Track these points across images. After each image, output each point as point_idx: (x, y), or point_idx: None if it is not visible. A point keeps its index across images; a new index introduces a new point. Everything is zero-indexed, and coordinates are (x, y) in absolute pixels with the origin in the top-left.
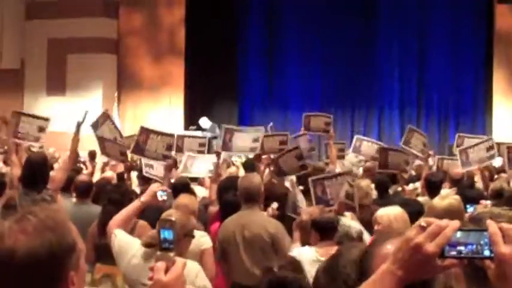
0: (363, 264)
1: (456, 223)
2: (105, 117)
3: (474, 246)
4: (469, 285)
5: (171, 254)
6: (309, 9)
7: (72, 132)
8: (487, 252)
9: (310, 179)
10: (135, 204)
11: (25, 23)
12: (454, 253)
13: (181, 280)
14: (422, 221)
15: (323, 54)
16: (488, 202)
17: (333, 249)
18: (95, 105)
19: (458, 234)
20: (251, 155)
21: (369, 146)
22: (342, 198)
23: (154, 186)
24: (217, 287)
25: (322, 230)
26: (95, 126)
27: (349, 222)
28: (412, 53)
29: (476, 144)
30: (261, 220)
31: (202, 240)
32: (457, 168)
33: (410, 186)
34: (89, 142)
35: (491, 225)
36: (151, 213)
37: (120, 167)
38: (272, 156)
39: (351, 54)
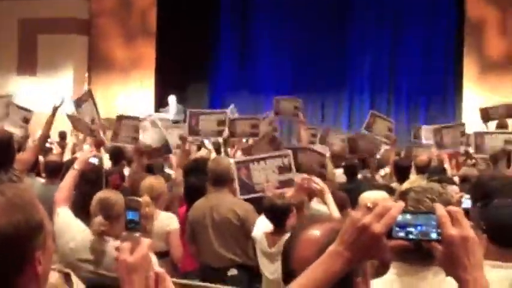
0: (287, 249)
1: (401, 204)
2: (89, 95)
3: (423, 228)
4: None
5: (137, 235)
6: None
7: (44, 113)
8: (434, 235)
9: (233, 161)
10: (71, 174)
11: None
12: (402, 234)
13: (147, 260)
14: (368, 202)
15: (294, 38)
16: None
17: (283, 239)
18: (66, 86)
19: (408, 216)
20: (219, 139)
21: (336, 137)
22: (315, 168)
23: (85, 153)
24: (185, 269)
25: (273, 218)
26: (78, 104)
27: (318, 206)
28: (384, 38)
29: (451, 126)
30: (230, 202)
31: (168, 221)
32: (422, 155)
33: (382, 172)
34: (58, 123)
35: (439, 208)
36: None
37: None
38: (244, 140)
39: (322, 38)
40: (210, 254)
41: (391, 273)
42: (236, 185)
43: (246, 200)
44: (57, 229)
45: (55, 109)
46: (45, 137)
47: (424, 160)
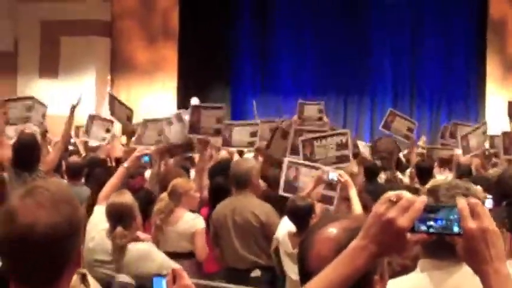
0: (303, 248)
1: (424, 198)
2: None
3: (444, 222)
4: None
5: (178, 266)
6: None
7: (67, 115)
8: (456, 229)
9: (286, 159)
10: (120, 172)
11: (18, 4)
12: (424, 228)
13: None
14: (391, 196)
15: (316, 41)
16: None
17: None
18: (88, 88)
19: (429, 210)
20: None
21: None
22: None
23: (138, 151)
24: (209, 270)
25: (296, 220)
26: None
27: None
28: (405, 40)
29: (475, 129)
30: (251, 205)
31: (194, 222)
32: (462, 156)
33: (407, 172)
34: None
35: (460, 201)
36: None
37: (115, 151)
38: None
39: (343, 41)
40: (232, 256)
41: (420, 269)
42: (281, 181)
43: (275, 200)
44: (88, 227)
45: (73, 108)
46: (68, 137)
47: (466, 161)
